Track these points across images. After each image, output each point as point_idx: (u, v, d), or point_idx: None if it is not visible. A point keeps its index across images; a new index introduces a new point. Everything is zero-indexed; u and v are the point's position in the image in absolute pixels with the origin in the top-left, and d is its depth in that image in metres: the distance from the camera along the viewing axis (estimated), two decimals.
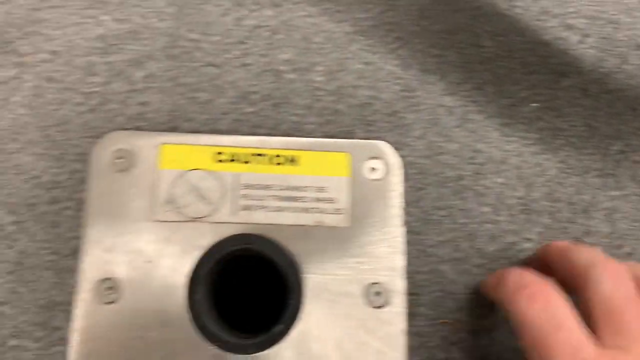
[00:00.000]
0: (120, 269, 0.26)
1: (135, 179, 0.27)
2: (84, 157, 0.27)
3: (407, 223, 0.27)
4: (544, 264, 0.25)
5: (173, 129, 0.28)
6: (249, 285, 0.28)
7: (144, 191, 0.27)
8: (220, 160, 0.28)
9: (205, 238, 0.27)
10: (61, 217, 0.27)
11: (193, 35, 0.29)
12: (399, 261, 0.27)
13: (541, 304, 0.21)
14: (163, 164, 0.28)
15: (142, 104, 0.28)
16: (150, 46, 0.29)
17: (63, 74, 0.28)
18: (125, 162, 0.27)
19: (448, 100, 0.30)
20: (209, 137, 0.28)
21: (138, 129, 0.28)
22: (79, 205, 0.27)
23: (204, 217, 0.27)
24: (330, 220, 0.27)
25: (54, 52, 0.28)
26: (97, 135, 0.28)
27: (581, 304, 0.22)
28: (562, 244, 0.25)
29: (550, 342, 0.20)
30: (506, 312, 0.22)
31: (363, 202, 0.28)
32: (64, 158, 0.27)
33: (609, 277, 0.21)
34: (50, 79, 0.28)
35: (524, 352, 0.21)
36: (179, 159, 0.28)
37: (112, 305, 0.26)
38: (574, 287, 0.22)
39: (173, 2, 0.30)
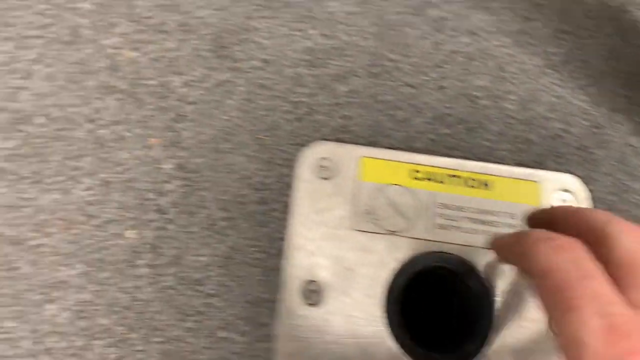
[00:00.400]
0: (324, 273, 0.27)
1: (337, 188, 0.29)
2: (290, 163, 0.29)
3: None
4: (550, 227, 0.23)
5: (372, 143, 0.29)
6: (432, 301, 0.29)
7: (345, 200, 0.28)
8: (417, 178, 0.29)
9: (400, 252, 0.28)
10: (269, 218, 0.28)
11: (393, 56, 0.31)
12: None
13: (568, 254, 0.19)
14: (364, 176, 0.29)
15: (345, 117, 0.30)
16: (353, 63, 0.30)
17: (273, 82, 0.30)
18: (329, 170, 0.29)
19: (635, 141, 0.30)
20: (407, 155, 0.29)
21: (340, 140, 0.29)
22: (286, 208, 0.28)
23: (400, 231, 0.28)
24: None
25: (265, 61, 0.30)
26: (303, 143, 0.29)
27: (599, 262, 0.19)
28: (570, 206, 0.24)
29: (577, 288, 0.18)
30: (525, 265, 0.20)
31: None
32: (272, 162, 0.29)
33: (628, 232, 0.20)
34: (261, 86, 0.30)
35: (543, 309, 0.19)
36: (378, 172, 0.29)
37: (314, 307, 0.27)
38: (589, 245, 0.20)
39: (376, 23, 0.31)
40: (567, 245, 0.19)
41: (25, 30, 0.29)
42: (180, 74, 0.29)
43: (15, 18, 0.29)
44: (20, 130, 0.28)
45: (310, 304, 0.27)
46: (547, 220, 0.23)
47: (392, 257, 0.28)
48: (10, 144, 0.28)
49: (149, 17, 0.30)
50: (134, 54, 0.29)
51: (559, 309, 0.18)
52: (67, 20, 0.30)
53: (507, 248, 0.22)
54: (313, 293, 0.27)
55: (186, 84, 0.29)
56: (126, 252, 0.27)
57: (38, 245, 0.27)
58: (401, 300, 0.28)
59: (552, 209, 0.24)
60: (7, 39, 0.29)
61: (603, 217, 0.21)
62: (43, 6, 0.30)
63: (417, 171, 0.29)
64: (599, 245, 0.20)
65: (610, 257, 0.19)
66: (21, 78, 0.29)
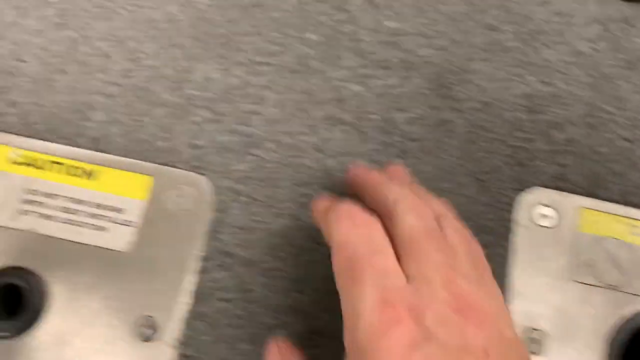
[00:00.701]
0: (545, 322, 0.27)
1: (556, 237, 0.29)
2: (509, 207, 0.29)
3: None
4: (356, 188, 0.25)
5: (589, 194, 0.29)
6: None
7: (564, 250, 0.28)
8: (636, 234, 0.29)
9: (620, 307, 0.28)
10: (490, 262, 0.28)
11: (608, 107, 0.31)
12: None
13: (364, 230, 0.21)
14: (583, 227, 0.29)
15: (562, 165, 0.30)
16: (570, 111, 0.31)
17: (492, 125, 0.30)
18: (548, 218, 0.29)
19: None
20: (626, 209, 0.29)
21: (558, 188, 0.29)
22: (506, 253, 0.28)
23: (620, 286, 0.28)
24: None
25: (484, 103, 0.30)
26: (522, 188, 0.29)
27: (389, 237, 0.22)
28: (375, 176, 0.25)
29: (364, 262, 0.20)
30: (328, 234, 0.22)
31: None
32: (492, 205, 0.29)
33: (412, 211, 0.22)
34: (481, 128, 0.30)
35: (336, 276, 0.21)
36: (598, 224, 0.29)
37: (535, 356, 0.27)
38: (383, 219, 0.22)
39: (591, 74, 0.31)
40: (365, 222, 0.22)
41: (256, 56, 0.30)
42: (402, 110, 0.30)
43: (247, 44, 0.30)
44: (253, 154, 0.29)
45: (532, 352, 0.27)
46: (362, 186, 0.25)
47: (613, 312, 0.28)
48: (243, 166, 0.29)
49: (373, 53, 0.31)
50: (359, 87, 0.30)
51: (347, 281, 0.20)
52: (296, 50, 0.31)
53: (319, 213, 0.24)
54: (534, 342, 0.27)
55: (409, 121, 0.30)
56: None
57: (271, 269, 0.27)
58: (623, 358, 0.27)
59: (366, 178, 0.25)
60: (239, 63, 0.30)
61: (396, 195, 0.22)
62: (274, 34, 0.31)
63: (637, 227, 0.29)
64: (389, 221, 0.22)
65: (394, 232, 0.21)
66: (253, 103, 0.30)
